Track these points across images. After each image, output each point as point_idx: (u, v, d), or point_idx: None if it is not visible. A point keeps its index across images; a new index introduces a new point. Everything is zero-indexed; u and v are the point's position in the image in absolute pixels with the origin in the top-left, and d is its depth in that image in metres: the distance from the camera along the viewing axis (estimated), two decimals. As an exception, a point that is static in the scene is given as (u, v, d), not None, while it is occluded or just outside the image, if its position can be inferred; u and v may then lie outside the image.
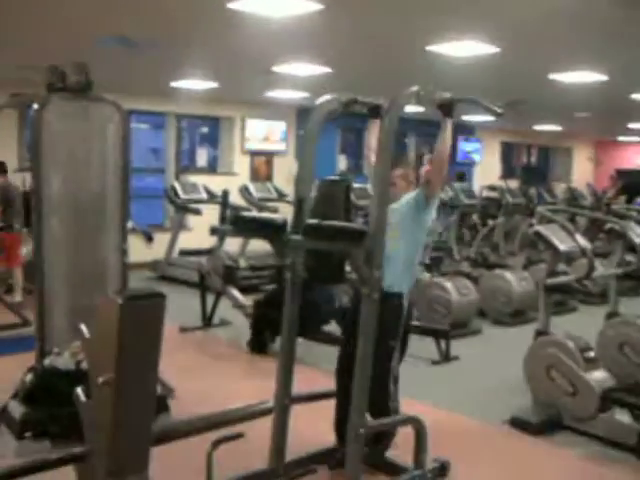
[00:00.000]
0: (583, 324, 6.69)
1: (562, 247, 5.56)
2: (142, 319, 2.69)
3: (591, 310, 8.43)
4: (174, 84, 10.08)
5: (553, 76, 8.59)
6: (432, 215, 4.19)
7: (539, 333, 5.43)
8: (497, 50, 6.91)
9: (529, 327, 6.37)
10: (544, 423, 4.91)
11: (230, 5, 5.39)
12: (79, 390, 2.89)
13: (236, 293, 7.33)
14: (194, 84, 10.09)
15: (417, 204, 4.06)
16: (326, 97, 3.73)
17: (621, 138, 20.18)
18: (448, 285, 7.51)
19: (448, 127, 3.89)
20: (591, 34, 6.30)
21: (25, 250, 7.90)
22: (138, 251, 7.65)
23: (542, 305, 5.61)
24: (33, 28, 6.49)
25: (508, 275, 8.35)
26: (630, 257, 6.66)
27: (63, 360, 4.41)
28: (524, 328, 7.24)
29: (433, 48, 6.88)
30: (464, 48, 6.86)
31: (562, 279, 6.01)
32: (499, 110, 3.92)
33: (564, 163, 20.96)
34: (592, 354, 4.97)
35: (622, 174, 18.46)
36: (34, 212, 4.60)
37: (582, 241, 5.66)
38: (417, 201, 4.06)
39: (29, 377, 4.52)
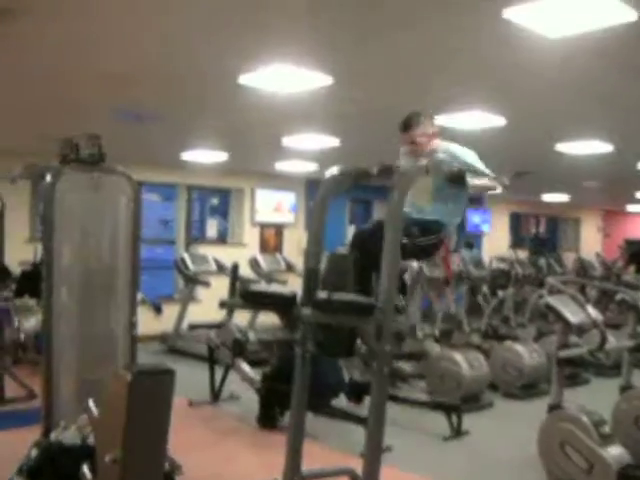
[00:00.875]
0: (597, 397, 6.57)
1: (573, 319, 5.50)
2: (151, 396, 2.66)
3: (605, 383, 8.29)
4: (185, 156, 10.22)
5: (560, 147, 8.68)
6: None
7: (552, 407, 5.33)
8: (504, 121, 7.00)
9: (541, 400, 6.27)
10: (559, 501, 4.79)
11: (241, 80, 5.50)
12: (85, 467, 2.84)
13: (245, 367, 7.26)
14: (205, 156, 10.23)
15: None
16: (335, 169, 3.76)
17: (629, 208, 20.22)
18: (459, 358, 7.43)
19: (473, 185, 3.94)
20: (596, 105, 6.39)
21: (34, 321, 7.87)
22: (147, 323, 7.63)
23: (555, 378, 5.53)
24: (48, 100, 6.64)
25: (519, 347, 8.26)
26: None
27: (69, 435, 4.33)
28: (536, 401, 7.12)
29: (440, 120, 6.97)
30: (471, 120, 6.95)
31: (574, 351, 5.93)
32: (506, 182, 3.95)
33: (573, 233, 21.00)
34: (607, 429, 4.87)
35: (631, 244, 18.45)
36: (44, 283, 4.59)
37: (593, 313, 5.60)
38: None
39: (34, 452, 4.45)
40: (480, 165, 4.15)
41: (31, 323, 8.02)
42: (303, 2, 3.92)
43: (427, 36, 4.44)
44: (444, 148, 4.32)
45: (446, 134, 7.26)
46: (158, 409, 2.69)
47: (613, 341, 6.68)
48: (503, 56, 4.83)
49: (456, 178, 3.87)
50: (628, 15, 3.86)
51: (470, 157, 4.18)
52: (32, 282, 7.87)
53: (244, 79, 5.50)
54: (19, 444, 4.63)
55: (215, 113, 7.21)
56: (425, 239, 4.28)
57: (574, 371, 8.24)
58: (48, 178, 4.64)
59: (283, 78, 5.46)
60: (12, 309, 7.87)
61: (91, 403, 2.86)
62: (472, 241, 14.96)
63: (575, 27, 4.13)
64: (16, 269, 8.93)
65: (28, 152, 8.20)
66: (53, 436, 4.38)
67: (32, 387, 6.77)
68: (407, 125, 4.39)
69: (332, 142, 8.66)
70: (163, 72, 5.54)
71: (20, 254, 9.19)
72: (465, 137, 7.63)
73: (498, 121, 6.99)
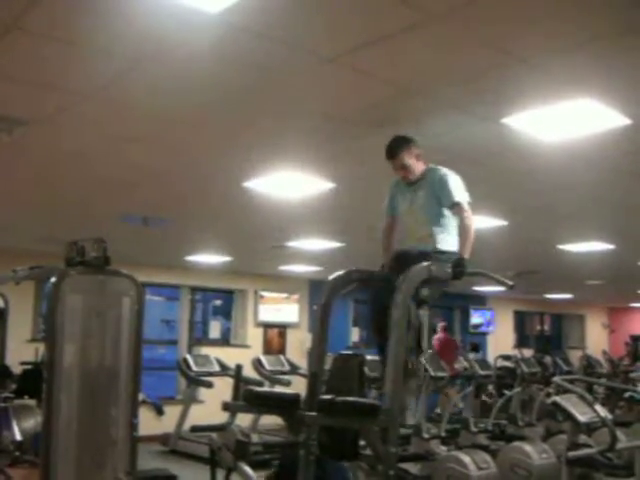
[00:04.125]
0: (609, 500, 6.40)
1: (582, 418, 5.43)
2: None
3: (617, 484, 8.08)
4: (189, 258, 10.30)
5: (561, 246, 8.74)
6: None
7: (564, 510, 5.21)
8: (504, 223, 7.08)
9: (553, 503, 6.11)
10: None
11: (245, 184, 5.61)
12: None
13: (248, 469, 7.10)
14: (209, 258, 10.31)
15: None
16: (339, 273, 3.80)
17: (634, 304, 20.18)
18: (466, 459, 7.26)
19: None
20: (595, 206, 6.49)
21: (33, 422, 7.77)
22: (148, 424, 7.52)
23: (565, 479, 5.41)
24: (54, 204, 6.75)
25: (527, 447, 8.09)
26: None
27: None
28: (547, 504, 6.94)
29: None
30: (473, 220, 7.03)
31: (584, 452, 5.82)
32: (510, 283, 3.96)
33: (578, 330, 20.88)
34: (620, 534, 4.73)
35: (636, 340, 18.31)
36: (45, 384, 4.57)
37: (602, 411, 5.53)
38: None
39: None
40: (463, 194, 4.13)
41: (30, 424, 7.92)
42: (305, 113, 4.06)
43: (427, 144, 4.55)
44: (438, 171, 4.21)
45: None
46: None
47: (624, 440, 6.55)
48: (502, 160, 4.94)
49: (459, 274, 3.90)
50: (620, 120, 3.98)
51: (456, 184, 4.12)
52: (33, 382, 7.83)
53: (248, 184, 5.61)
54: None
55: (219, 217, 7.32)
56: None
57: (585, 471, 8.04)
58: (52, 279, 4.69)
59: (285, 183, 5.57)
60: (11, 410, 7.78)
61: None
62: (477, 345, 14.94)
63: (570, 131, 4.24)
64: (17, 369, 8.91)
65: (33, 253, 8.31)
66: None
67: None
68: (393, 151, 4.16)
69: (336, 245, 8.73)
70: (169, 178, 5.67)
71: (21, 354, 9.17)
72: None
73: (499, 222, 7.07)
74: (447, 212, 4.14)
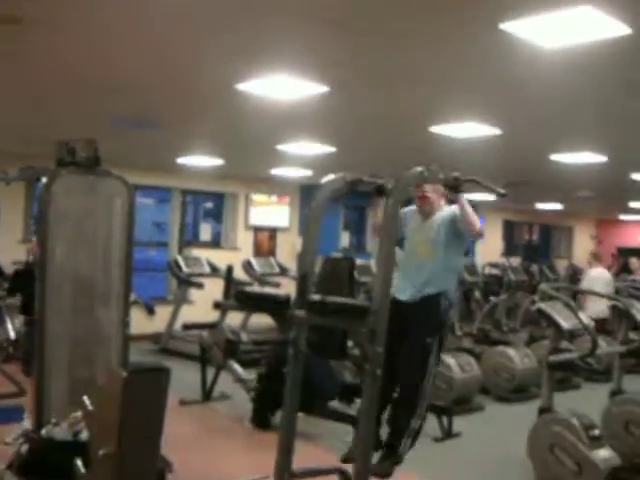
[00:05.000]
0: (587, 402, 6.61)
1: (565, 325, 5.54)
2: (146, 393, 2.69)
3: (595, 387, 8.33)
4: (180, 160, 10.24)
5: (554, 157, 8.73)
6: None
7: (542, 410, 5.38)
8: (498, 132, 7.04)
9: (532, 404, 6.31)
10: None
11: (238, 87, 5.54)
12: (78, 462, 2.86)
13: (237, 367, 7.28)
14: (200, 161, 10.25)
15: (454, 225, 4.32)
16: (331, 176, 3.80)
17: (622, 217, 20.32)
18: (451, 362, 7.46)
19: (462, 201, 4.12)
20: (590, 117, 6.45)
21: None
22: (140, 323, 7.66)
23: (545, 382, 5.57)
24: (45, 104, 6.67)
25: (511, 352, 8.31)
26: (634, 335, 6.63)
27: (60, 431, 4.35)
28: (527, 405, 7.17)
29: (436, 129, 7.02)
30: (466, 130, 7.00)
31: (565, 356, 5.97)
32: (502, 191, 3.99)
33: (566, 241, 21.08)
34: (597, 432, 4.91)
35: (623, 252, 18.52)
36: (37, 283, 4.62)
37: (585, 319, 5.64)
38: (454, 222, 4.31)
39: (25, 447, 4.46)
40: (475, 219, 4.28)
41: (23, 321, 8.05)
42: (301, 15, 3.96)
43: (423, 47, 4.48)
44: (451, 209, 4.41)
45: (443, 140, 7.41)
46: (153, 406, 2.72)
47: (604, 346, 6.72)
48: (499, 67, 4.87)
49: (452, 186, 3.94)
50: (621, 29, 3.91)
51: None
52: (25, 281, 7.91)
53: (241, 86, 5.53)
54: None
55: (211, 119, 7.24)
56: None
57: (565, 376, 8.28)
58: (44, 180, 4.68)
59: (280, 86, 5.50)
60: (4, 308, 7.89)
61: (86, 400, 2.88)
62: (467, 250, 15.01)
63: (569, 39, 4.17)
64: (9, 268, 8.98)
65: (23, 154, 8.24)
66: (44, 432, 4.40)
67: (22, 384, 6.78)
68: None
69: (327, 149, 8.69)
70: (161, 79, 5.57)
71: (13, 254, 9.23)
72: (461, 146, 7.72)
73: (493, 131, 7.04)
74: (450, 247, 4.39)
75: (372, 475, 3.70)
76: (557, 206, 16.74)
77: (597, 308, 9.36)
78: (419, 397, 4.32)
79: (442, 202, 4.50)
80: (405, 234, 4.61)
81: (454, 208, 4.34)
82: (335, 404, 6.42)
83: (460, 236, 4.38)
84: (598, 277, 10.47)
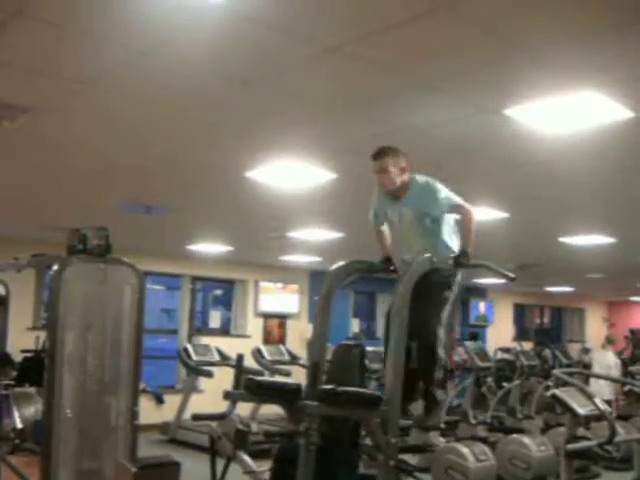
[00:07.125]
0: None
1: (581, 411, 5.43)
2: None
3: (615, 476, 8.10)
4: (190, 247, 10.30)
5: (563, 239, 8.74)
6: None
7: (562, 502, 5.22)
8: (506, 215, 7.08)
9: (551, 495, 6.13)
10: None
11: (247, 174, 5.61)
12: None
13: (247, 458, 7.12)
14: (210, 247, 10.31)
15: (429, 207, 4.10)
16: (341, 263, 3.80)
17: (633, 298, 20.19)
18: (465, 451, 7.28)
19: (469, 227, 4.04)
20: (596, 200, 6.48)
21: (33, 410, 7.79)
22: (148, 412, 7.55)
23: (563, 472, 5.42)
24: (57, 192, 6.75)
25: (526, 440, 8.11)
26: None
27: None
28: (546, 496, 6.97)
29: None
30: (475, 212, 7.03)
31: (583, 444, 5.82)
32: (511, 275, 3.97)
33: (578, 324, 20.90)
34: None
35: (635, 333, 18.31)
36: (46, 372, 4.58)
37: (601, 404, 5.53)
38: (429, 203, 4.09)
39: None
40: (453, 195, 4.13)
41: (30, 411, 7.94)
42: (310, 110, 4.06)
43: (430, 135, 4.54)
44: (419, 183, 4.18)
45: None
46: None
47: (623, 433, 6.56)
48: (504, 152, 4.93)
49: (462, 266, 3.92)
50: (622, 114, 3.97)
51: (442, 190, 4.11)
52: (34, 370, 7.85)
53: (251, 174, 5.60)
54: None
55: (221, 206, 7.31)
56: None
57: (583, 464, 8.06)
58: (55, 267, 4.69)
59: (288, 174, 5.57)
60: (12, 397, 7.82)
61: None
62: (477, 333, 14.93)
63: (572, 125, 4.24)
64: (18, 356, 8.92)
65: (34, 241, 8.30)
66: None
67: (29, 477, 6.63)
68: (380, 153, 4.13)
69: (335, 235, 8.73)
70: (172, 166, 5.66)
71: (22, 342, 9.18)
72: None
73: (501, 215, 7.07)
74: (436, 221, 4.15)
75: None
76: (567, 288, 16.67)
77: (601, 390, 9.22)
78: (437, 342, 4.04)
79: (406, 177, 4.17)
80: (381, 219, 4.45)
81: (422, 182, 4.15)
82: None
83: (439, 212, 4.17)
84: (602, 360, 10.40)
